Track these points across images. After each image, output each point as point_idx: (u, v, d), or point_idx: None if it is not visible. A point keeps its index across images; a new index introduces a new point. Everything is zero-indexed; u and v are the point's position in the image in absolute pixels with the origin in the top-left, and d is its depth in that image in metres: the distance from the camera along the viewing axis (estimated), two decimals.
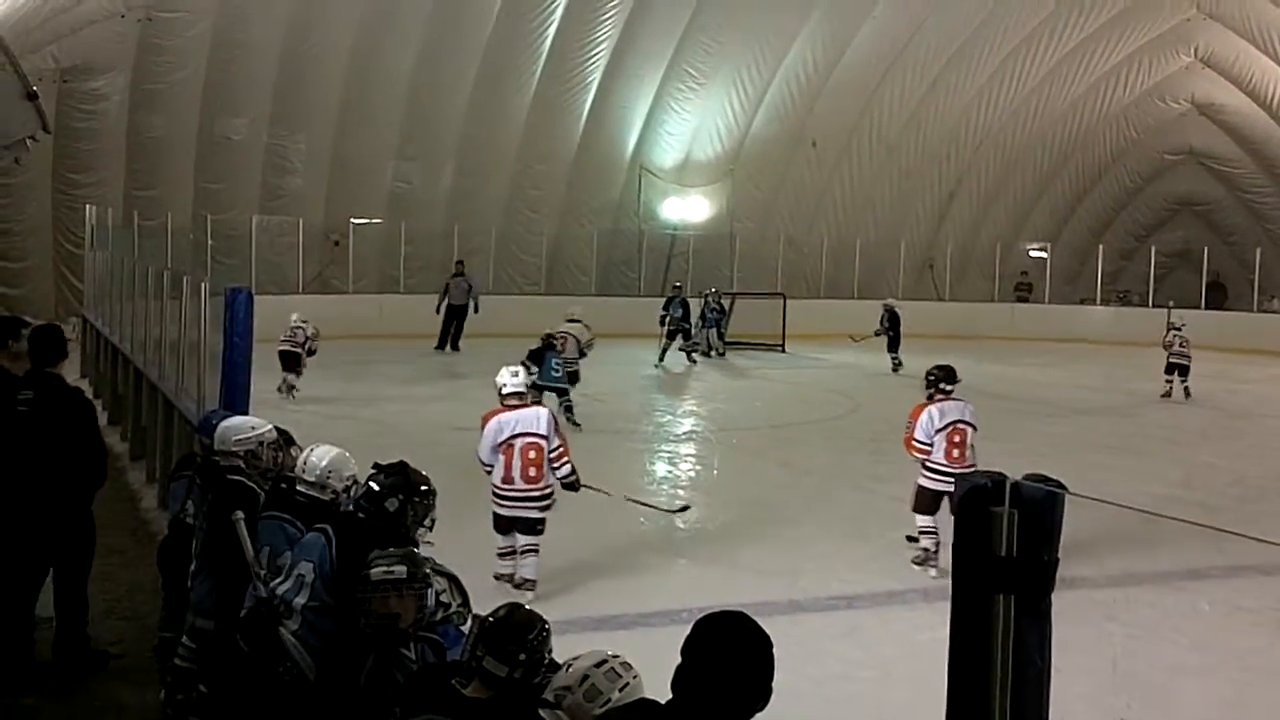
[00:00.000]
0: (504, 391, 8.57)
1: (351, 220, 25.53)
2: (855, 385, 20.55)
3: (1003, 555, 2.12)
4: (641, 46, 26.86)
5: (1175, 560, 8.95)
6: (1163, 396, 19.33)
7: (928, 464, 8.93)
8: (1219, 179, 34.08)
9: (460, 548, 4.40)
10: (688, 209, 29.79)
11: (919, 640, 6.86)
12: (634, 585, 8.27)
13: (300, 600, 4.34)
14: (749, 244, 30.11)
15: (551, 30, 25.88)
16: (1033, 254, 33.71)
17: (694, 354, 22.93)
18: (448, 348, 22.67)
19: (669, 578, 8.65)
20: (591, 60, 26.74)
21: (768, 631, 2.66)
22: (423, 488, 4.73)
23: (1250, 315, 30.66)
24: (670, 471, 13.10)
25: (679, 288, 24.16)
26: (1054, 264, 32.89)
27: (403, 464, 4.76)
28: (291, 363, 16.18)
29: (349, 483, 4.88)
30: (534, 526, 8.14)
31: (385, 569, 3.96)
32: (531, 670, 3.32)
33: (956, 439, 8.91)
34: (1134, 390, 20.82)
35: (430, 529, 4.78)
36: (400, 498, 4.62)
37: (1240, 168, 33.47)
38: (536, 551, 8.08)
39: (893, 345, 22.07)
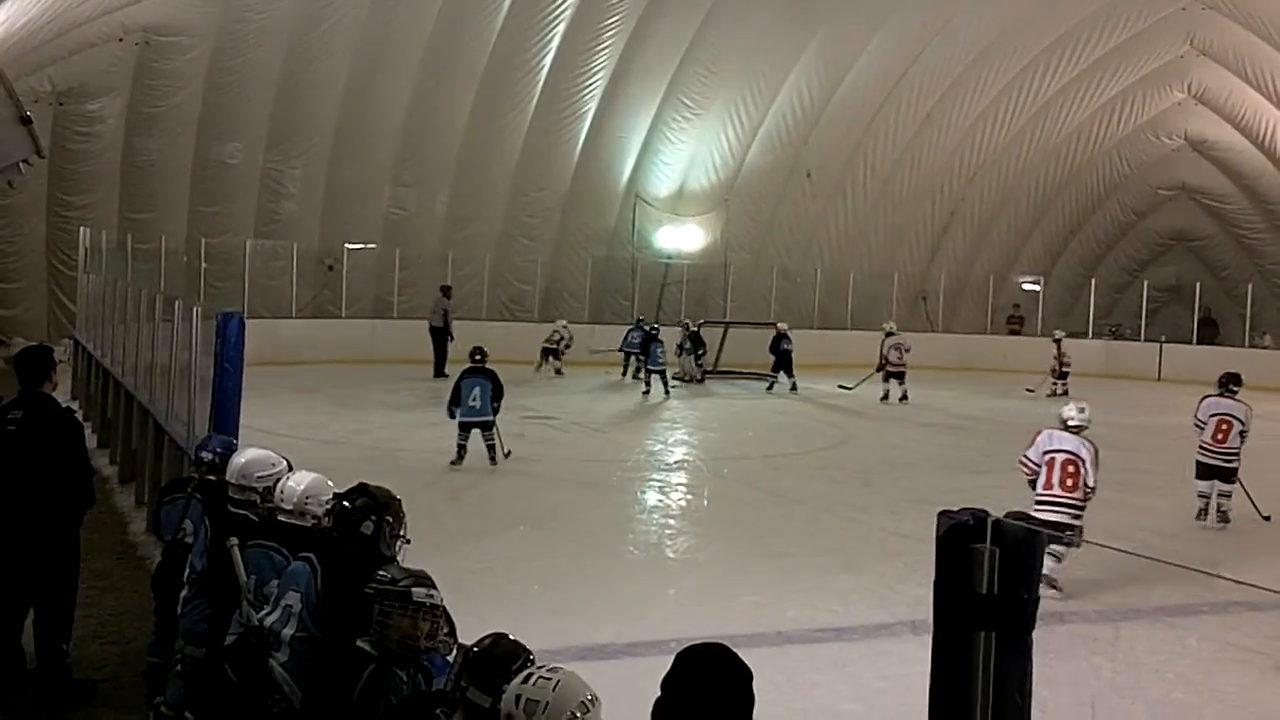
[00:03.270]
0: (1070, 423, 9.80)
1: (346, 245, 25.56)
2: (847, 416, 20.56)
3: (984, 593, 2.12)
4: (638, 76, 26.98)
5: (1166, 596, 8.95)
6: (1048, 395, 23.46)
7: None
8: (1211, 214, 34.22)
9: (442, 575, 4.38)
10: (682, 238, 29.84)
11: (906, 674, 6.82)
12: (622, 615, 8.23)
13: (288, 631, 4.32)
14: (743, 274, 30.18)
15: (548, 59, 26.00)
16: (1025, 287, 33.81)
17: (674, 382, 22.96)
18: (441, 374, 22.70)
19: (657, 608, 8.62)
20: (588, 89, 26.85)
21: (752, 663, 2.65)
22: (391, 503, 4.72)
23: (1242, 350, 30.69)
24: (661, 500, 13.06)
25: (640, 319, 24.62)
26: (1047, 297, 32.98)
27: (363, 484, 4.75)
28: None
29: (329, 507, 4.82)
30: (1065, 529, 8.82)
31: (428, 591, 3.97)
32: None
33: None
34: (1128, 424, 20.82)
35: (409, 542, 4.77)
36: (373, 519, 4.61)
37: (1232, 203, 33.62)
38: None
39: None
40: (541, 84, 26.30)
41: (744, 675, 2.62)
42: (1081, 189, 34.02)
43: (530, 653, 3.45)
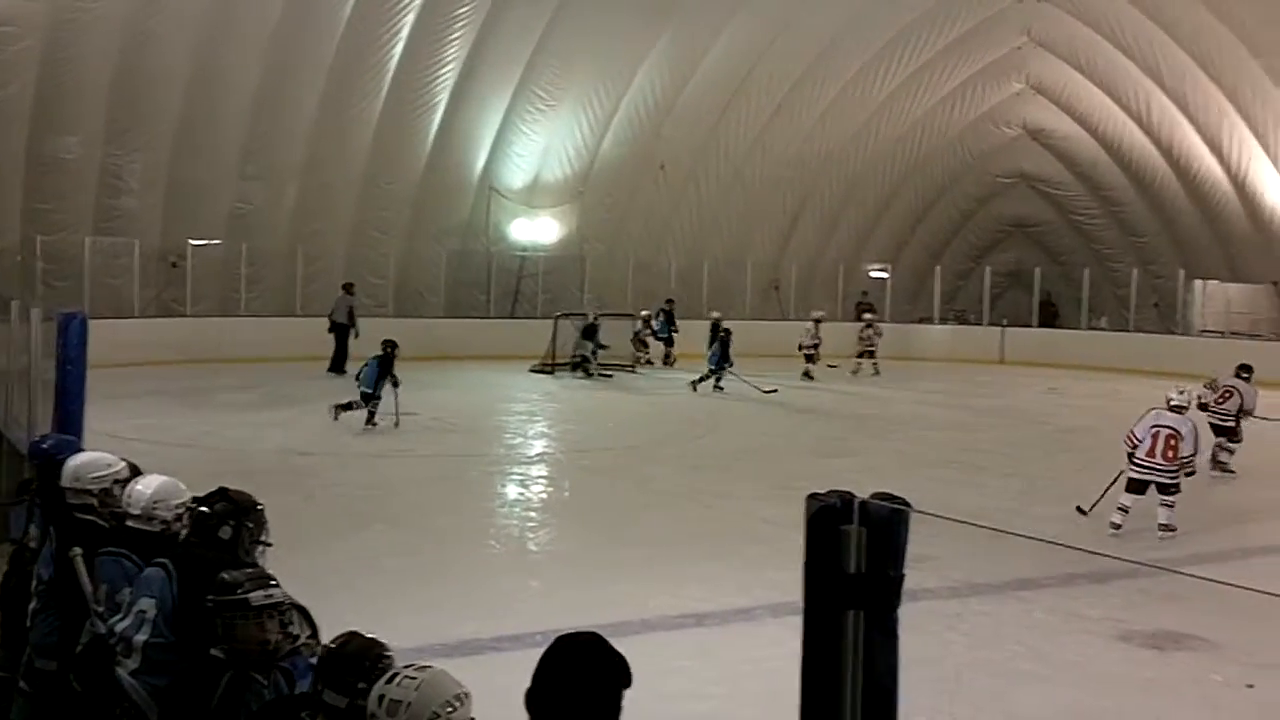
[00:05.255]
0: (1173, 404, 11.42)
1: (190, 242, 24.77)
2: (709, 405, 20.77)
3: (852, 572, 2.16)
4: (489, 67, 26.77)
5: (1013, 571, 9.25)
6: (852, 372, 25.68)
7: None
8: (1049, 201, 35.48)
9: (300, 577, 4.30)
10: (537, 230, 29.74)
11: (768, 656, 6.92)
12: (485, 610, 8.19)
13: (141, 637, 4.19)
14: (599, 265, 30.23)
15: (398, 49, 25.59)
16: (874, 274, 34.58)
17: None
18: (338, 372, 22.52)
19: (521, 601, 8.59)
20: (439, 80, 26.52)
21: (620, 651, 2.66)
22: (251, 507, 4.61)
23: (1080, 333, 31.96)
24: (522, 494, 13.03)
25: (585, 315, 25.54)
26: (894, 284, 33.79)
27: (223, 489, 4.64)
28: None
29: (179, 511, 4.67)
30: (1167, 489, 11.09)
31: (265, 593, 3.87)
32: (362, 700, 3.25)
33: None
34: (973, 406, 21.49)
35: (270, 545, 4.66)
36: (232, 523, 4.49)
37: (1069, 191, 34.91)
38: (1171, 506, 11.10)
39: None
40: (391, 74, 25.87)
41: (610, 663, 2.62)
42: (926, 178, 34.91)
43: (384, 649, 3.41)
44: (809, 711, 2.20)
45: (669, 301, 28.06)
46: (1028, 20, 30.53)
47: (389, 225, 27.64)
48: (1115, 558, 9.60)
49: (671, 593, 8.73)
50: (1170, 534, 11.11)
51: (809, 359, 24.82)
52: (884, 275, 34.07)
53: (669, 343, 27.03)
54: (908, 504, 2.21)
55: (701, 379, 22.28)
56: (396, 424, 15.91)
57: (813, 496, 2.22)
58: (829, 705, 2.16)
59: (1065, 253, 35.60)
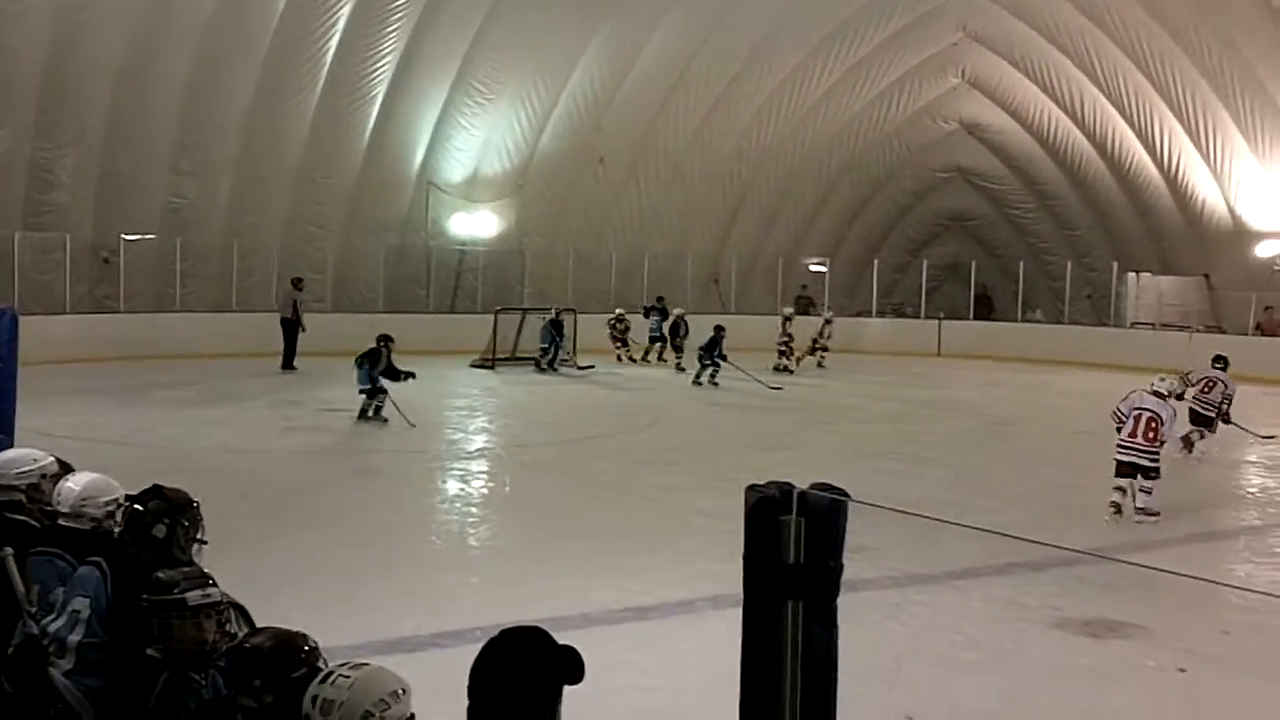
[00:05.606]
0: (1156, 389, 11.89)
1: (122, 236, 24.39)
2: (650, 399, 20.80)
3: (791, 563, 2.17)
4: (427, 61, 26.59)
5: (951, 561, 9.34)
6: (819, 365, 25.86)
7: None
8: (985, 195, 35.88)
9: (237, 576, 4.25)
10: (476, 225, 29.59)
11: (709, 647, 6.96)
12: (426, 606, 8.14)
13: (75, 637, 4.12)
14: (539, 260, 30.17)
15: (334, 42, 25.33)
16: (813, 268, 34.77)
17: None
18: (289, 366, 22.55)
19: (461, 597, 8.56)
20: (376, 73, 26.29)
21: (570, 647, 2.65)
22: (187, 505, 4.55)
23: (1015, 325, 32.38)
24: (462, 489, 12.97)
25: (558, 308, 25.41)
26: (833, 277, 33.99)
27: (157, 486, 4.57)
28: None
29: (110, 508, 4.60)
30: (1148, 472, 11.55)
31: (203, 592, 3.82)
32: (283, 698, 3.20)
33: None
34: (910, 398, 21.69)
35: (205, 544, 4.61)
36: (166, 521, 4.43)
37: (1004, 184, 35.32)
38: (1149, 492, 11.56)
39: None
40: (327, 67, 25.60)
41: (548, 657, 2.61)
42: (863, 172, 35.16)
43: (281, 643, 3.35)
44: (749, 701, 2.21)
45: (659, 299, 28.11)
46: (963, 16, 30.83)
47: (326, 220, 27.37)
48: (1052, 545, 9.71)
49: (613, 586, 8.73)
50: (1151, 519, 11.47)
51: (784, 354, 25.43)
52: (823, 269, 34.27)
53: (663, 341, 26.88)
54: (846, 494, 2.23)
55: (699, 375, 22.62)
56: (411, 424, 15.82)
57: (752, 488, 2.23)
58: (769, 695, 2.17)
59: (1001, 246, 36.03)
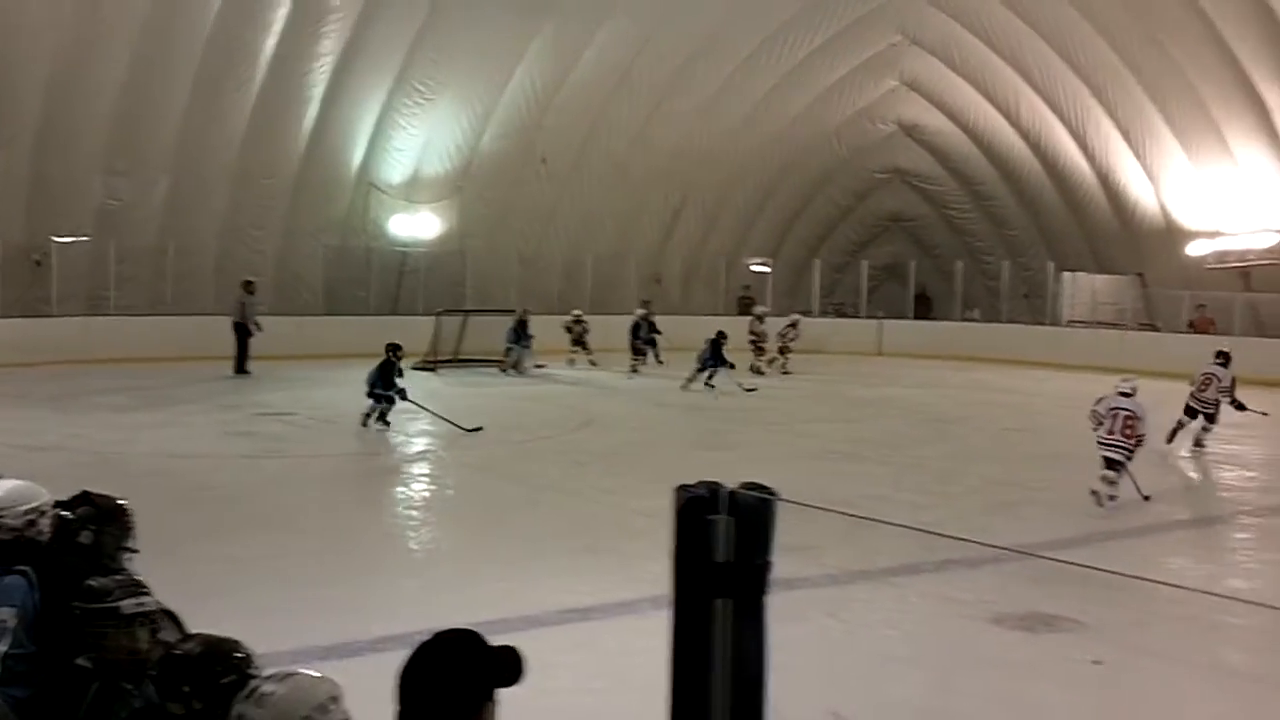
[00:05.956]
0: (1123, 391, 12.66)
1: (54, 239, 23.98)
2: (593, 400, 20.79)
3: (720, 561, 2.19)
4: (366, 60, 26.39)
5: (889, 558, 9.43)
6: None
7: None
8: (924, 196, 36.24)
9: (173, 582, 4.20)
10: (417, 226, 29.41)
11: (651, 647, 6.92)
12: (366, 611, 8.09)
13: (1, 648, 4.06)
14: (481, 261, 30.01)
15: (271, 42, 25.07)
16: (755, 268, 34.93)
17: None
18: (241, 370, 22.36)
19: (402, 601, 8.50)
20: (314, 73, 26.05)
21: (504, 649, 2.64)
22: (116, 511, 4.48)
23: (954, 324, 32.75)
24: (403, 492, 12.91)
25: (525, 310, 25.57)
26: (775, 278, 34.17)
27: (85, 492, 4.50)
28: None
29: (31, 516, 4.46)
30: (1115, 465, 12.22)
31: (136, 601, 3.76)
32: (213, 704, 3.16)
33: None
34: (851, 397, 21.85)
35: (135, 551, 4.55)
36: (93, 528, 4.37)
37: (942, 186, 35.71)
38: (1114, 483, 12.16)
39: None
40: (265, 66, 25.34)
41: (476, 658, 2.59)
42: (804, 173, 35.37)
43: (209, 649, 3.32)
44: (679, 698, 2.23)
45: (645, 304, 27.63)
46: (902, 18, 31.12)
47: (264, 221, 27.08)
48: (986, 544, 9.83)
49: (554, 588, 8.72)
50: (1107, 503, 12.06)
51: (759, 353, 25.70)
52: (765, 269, 34.44)
53: (652, 344, 26.49)
54: (775, 493, 2.25)
55: (691, 379, 22.36)
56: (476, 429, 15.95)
57: (681, 488, 2.25)
58: (698, 692, 2.19)
59: (939, 246, 36.41)
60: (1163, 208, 30.73)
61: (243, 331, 22.59)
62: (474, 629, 2.67)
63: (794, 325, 26.81)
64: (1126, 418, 12.37)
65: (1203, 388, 16.39)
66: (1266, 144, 27.54)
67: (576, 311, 27.06)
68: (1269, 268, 28.82)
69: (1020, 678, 7.20)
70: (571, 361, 26.00)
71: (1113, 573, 8.61)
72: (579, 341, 26.43)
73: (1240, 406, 16.40)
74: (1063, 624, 8.09)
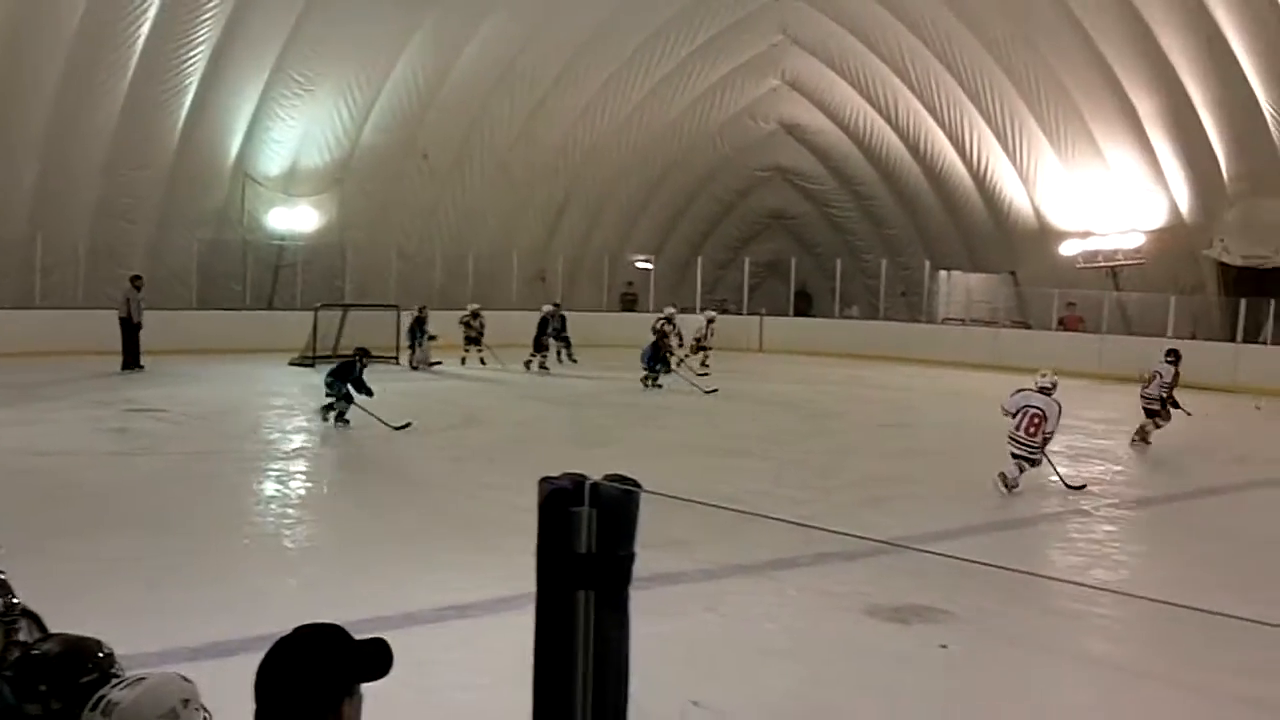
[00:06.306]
0: (1039, 385, 13.14)
1: None
2: (475, 396, 20.67)
3: (583, 553, 2.20)
4: (243, 49, 25.82)
5: (767, 552, 9.55)
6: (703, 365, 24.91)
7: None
8: (804, 194, 36.75)
9: (36, 582, 4.08)
10: (296, 219, 28.90)
11: (531, 643, 6.95)
12: (239, 610, 7.93)
13: None
14: (361, 255, 29.65)
15: (145, 28, 24.37)
16: (639, 265, 35.07)
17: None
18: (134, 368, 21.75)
19: (276, 600, 8.36)
20: (189, 61, 25.40)
21: (366, 642, 2.61)
22: None
23: (833, 321, 33.27)
24: (279, 490, 12.68)
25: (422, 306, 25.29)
26: (658, 275, 34.34)
27: None
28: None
29: None
30: (1027, 462, 12.87)
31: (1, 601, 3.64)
32: (71, 705, 3.08)
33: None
34: (731, 392, 22.05)
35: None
36: None
37: (823, 184, 36.24)
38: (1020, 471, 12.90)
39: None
40: (139, 54, 24.62)
41: (336, 652, 2.56)
42: (687, 171, 35.62)
43: (98, 648, 3.23)
44: (542, 691, 2.24)
45: (555, 305, 27.35)
46: (783, 18, 31.49)
47: (137, 213, 26.35)
48: (862, 537, 10.00)
49: (434, 585, 8.65)
50: (1009, 488, 12.75)
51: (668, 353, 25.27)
52: (648, 266, 34.61)
53: (566, 343, 26.30)
54: (638, 485, 2.26)
55: (646, 377, 22.41)
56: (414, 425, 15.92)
57: (545, 480, 2.25)
58: (562, 684, 2.20)
59: (820, 244, 36.96)
60: (1035, 208, 31.59)
61: (130, 327, 22.02)
62: (339, 624, 2.64)
63: (711, 323, 26.87)
64: (1033, 416, 12.82)
65: (1146, 384, 17.02)
66: (1135, 147, 28.48)
67: (474, 306, 26.59)
68: (1136, 267, 29.81)
69: (892, 667, 7.34)
70: (464, 360, 25.54)
71: (983, 564, 8.83)
72: (474, 339, 25.86)
73: (1174, 404, 17.00)
74: (935, 615, 8.26)
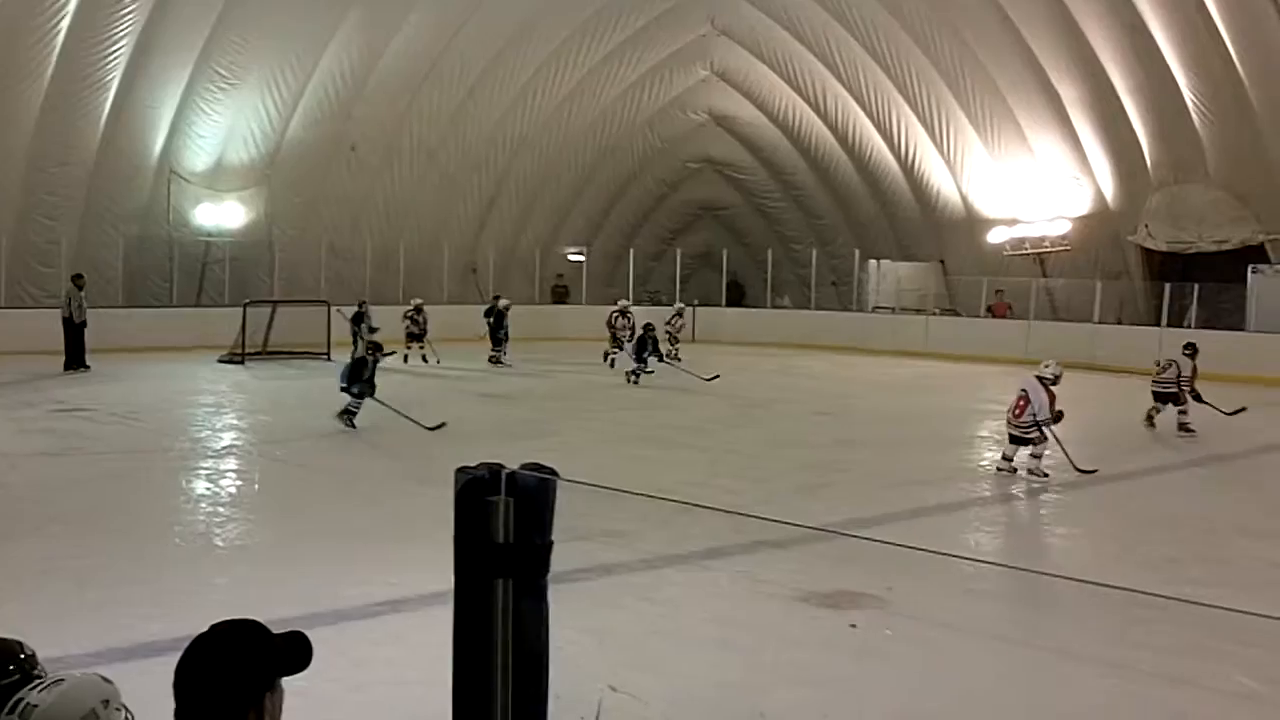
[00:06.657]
0: (1039, 373, 13.54)
1: None
2: (410, 392, 20.52)
3: (500, 541, 2.22)
4: (166, 43, 25.44)
5: (701, 541, 9.60)
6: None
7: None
8: (735, 185, 36.93)
9: None
10: (222, 215, 28.55)
11: None
12: (169, 609, 7.83)
13: None
14: (290, 251, 29.35)
15: (65, 22, 23.93)
16: (570, 257, 35.04)
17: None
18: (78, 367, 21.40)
19: (206, 599, 8.26)
20: (111, 56, 24.99)
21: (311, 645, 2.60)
22: None
23: (765, 311, 33.48)
24: (209, 488, 12.54)
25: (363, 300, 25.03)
26: (590, 267, 34.34)
27: None
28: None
29: None
30: (1024, 442, 13.38)
31: None
32: None
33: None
34: (663, 384, 22.12)
35: None
36: None
37: (753, 175, 36.44)
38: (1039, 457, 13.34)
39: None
40: (59, 49, 24.17)
41: (253, 647, 2.56)
42: (618, 162, 35.67)
43: (17, 650, 3.18)
44: (461, 679, 2.25)
45: (496, 298, 26.89)
46: (712, 9, 31.59)
47: (59, 210, 25.90)
48: (794, 524, 10.10)
49: (366, 581, 8.61)
50: (1041, 478, 13.16)
51: (615, 344, 25.34)
52: (580, 258, 34.59)
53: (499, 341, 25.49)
54: (555, 473, 2.28)
55: (633, 372, 22.43)
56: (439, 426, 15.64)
57: (461, 469, 2.26)
58: (480, 671, 2.21)
59: (751, 235, 37.17)
60: (963, 197, 31.97)
61: (73, 326, 21.71)
62: (257, 619, 2.63)
63: (680, 314, 27.10)
64: (1019, 398, 13.39)
65: (1162, 371, 17.44)
66: (1060, 136, 28.91)
67: (417, 301, 25.98)
68: (1063, 254, 30.27)
69: (824, 653, 7.42)
70: (405, 357, 24.53)
71: (915, 549, 8.94)
72: (417, 335, 25.13)
73: (1198, 398, 17.34)
74: (866, 600, 8.36)
